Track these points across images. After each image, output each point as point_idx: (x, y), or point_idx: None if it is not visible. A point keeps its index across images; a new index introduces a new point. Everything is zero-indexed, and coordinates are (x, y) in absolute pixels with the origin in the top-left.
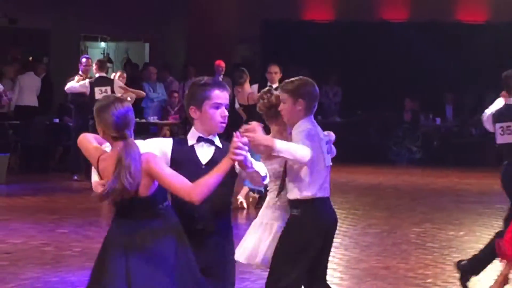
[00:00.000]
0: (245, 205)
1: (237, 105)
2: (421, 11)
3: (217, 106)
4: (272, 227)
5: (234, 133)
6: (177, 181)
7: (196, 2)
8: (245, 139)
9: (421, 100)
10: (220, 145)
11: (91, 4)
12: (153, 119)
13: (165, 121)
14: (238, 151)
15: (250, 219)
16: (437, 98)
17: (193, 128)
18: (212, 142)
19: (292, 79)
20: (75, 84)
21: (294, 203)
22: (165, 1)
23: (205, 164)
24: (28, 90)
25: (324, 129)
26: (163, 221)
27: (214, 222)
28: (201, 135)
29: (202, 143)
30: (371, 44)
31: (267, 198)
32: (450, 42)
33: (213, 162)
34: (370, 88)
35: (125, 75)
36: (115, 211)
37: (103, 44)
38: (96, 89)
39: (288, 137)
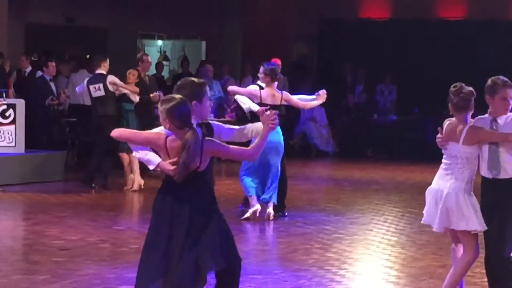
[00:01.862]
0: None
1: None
2: (479, 8)
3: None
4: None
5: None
6: (239, 150)
7: (253, 0)
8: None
9: (478, 98)
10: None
11: (148, 2)
12: (209, 117)
13: (221, 119)
14: (275, 121)
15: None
16: None
17: None
18: None
19: None
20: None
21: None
22: None
23: None
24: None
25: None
26: (209, 190)
27: None
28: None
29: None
30: (428, 42)
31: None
32: (509, 40)
33: None
34: (426, 86)
35: (136, 72)
36: (170, 183)
37: (160, 42)
38: (90, 87)
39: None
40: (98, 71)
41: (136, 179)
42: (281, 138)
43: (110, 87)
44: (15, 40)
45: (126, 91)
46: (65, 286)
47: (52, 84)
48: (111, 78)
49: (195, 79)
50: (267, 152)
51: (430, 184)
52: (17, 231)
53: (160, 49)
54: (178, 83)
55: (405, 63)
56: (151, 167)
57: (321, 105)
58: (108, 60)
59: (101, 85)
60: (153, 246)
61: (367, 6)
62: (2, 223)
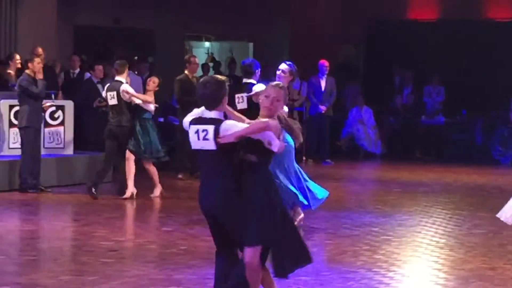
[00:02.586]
0: None
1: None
2: None
3: None
4: None
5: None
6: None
7: (300, 1)
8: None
9: None
10: None
11: (196, 3)
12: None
13: None
14: None
15: None
16: None
17: None
18: None
19: None
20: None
21: None
22: (269, 1)
23: None
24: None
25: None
26: None
27: None
28: None
29: None
30: (476, 43)
31: None
32: None
33: None
34: (474, 88)
35: (156, 80)
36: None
37: (207, 44)
38: (108, 94)
39: None
40: (117, 77)
41: (130, 187)
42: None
43: (122, 95)
44: (64, 42)
45: (138, 101)
46: (113, 287)
47: (100, 86)
48: (124, 86)
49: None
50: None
51: (478, 185)
52: (66, 232)
53: (208, 50)
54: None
55: (453, 65)
56: (277, 147)
57: (369, 106)
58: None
59: (115, 93)
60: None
61: (415, 7)
62: (51, 224)
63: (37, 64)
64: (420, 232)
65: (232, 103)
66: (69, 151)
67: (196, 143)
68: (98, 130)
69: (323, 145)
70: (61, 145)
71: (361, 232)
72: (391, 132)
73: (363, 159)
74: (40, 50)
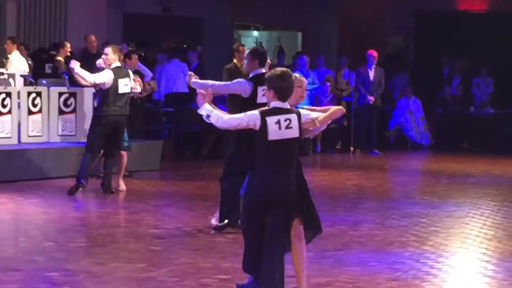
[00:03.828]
0: None
1: None
2: None
3: None
4: None
5: None
6: None
7: None
8: None
9: None
10: None
11: None
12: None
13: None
14: None
15: None
16: None
17: None
18: None
19: None
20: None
21: None
22: None
23: None
24: (174, 77)
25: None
26: None
27: None
28: None
29: None
30: None
31: None
32: None
33: None
34: None
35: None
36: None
37: (255, 33)
38: (119, 81)
39: None
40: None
41: (121, 183)
42: None
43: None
44: (113, 30)
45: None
46: (161, 275)
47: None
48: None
49: None
50: None
51: None
52: (114, 219)
53: (256, 40)
54: None
55: (502, 56)
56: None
57: (418, 97)
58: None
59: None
60: None
61: None
62: (99, 211)
63: (134, 61)
64: (468, 224)
65: (255, 97)
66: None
67: (276, 133)
68: (140, 119)
69: (371, 136)
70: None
71: (408, 223)
72: (439, 123)
73: (411, 150)
74: (93, 37)
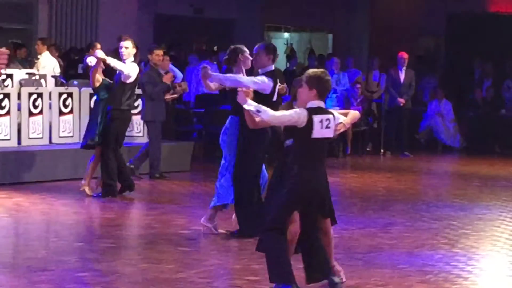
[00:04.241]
0: None
1: None
2: None
3: None
4: None
5: None
6: None
7: None
8: None
9: None
10: None
11: None
12: (335, 109)
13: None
14: None
15: None
16: None
17: None
18: None
19: None
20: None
21: None
22: None
23: None
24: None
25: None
26: None
27: None
28: None
29: None
30: None
31: None
32: None
33: None
34: None
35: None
36: None
37: (286, 35)
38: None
39: None
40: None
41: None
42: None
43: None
44: (144, 31)
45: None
46: (191, 276)
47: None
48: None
49: None
50: None
51: None
52: (145, 220)
53: (287, 41)
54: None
55: None
56: None
57: (448, 99)
58: None
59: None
60: None
61: (496, 0)
62: (130, 212)
63: (155, 56)
64: (499, 227)
65: (273, 94)
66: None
67: (319, 132)
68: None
69: (401, 138)
70: (141, 134)
71: (439, 226)
72: (470, 126)
73: (441, 153)
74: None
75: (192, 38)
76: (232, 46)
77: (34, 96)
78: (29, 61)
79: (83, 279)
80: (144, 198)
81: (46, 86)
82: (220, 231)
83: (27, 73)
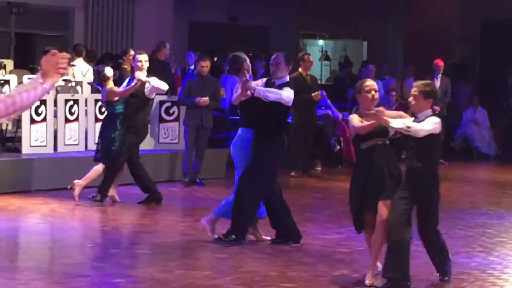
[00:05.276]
0: None
1: None
2: None
3: None
4: None
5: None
6: None
7: (415, 0)
8: None
9: None
10: None
11: (311, 1)
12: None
13: None
14: None
15: None
16: None
17: None
18: None
19: None
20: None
21: None
22: (384, 0)
23: None
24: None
25: None
26: None
27: None
28: None
29: None
30: None
31: None
32: None
33: None
34: None
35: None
36: None
37: (321, 42)
38: None
39: None
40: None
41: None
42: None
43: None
44: (179, 38)
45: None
46: (227, 283)
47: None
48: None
49: None
50: None
51: None
52: (180, 227)
53: (322, 49)
54: None
55: None
56: None
57: (484, 107)
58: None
59: None
60: None
61: None
62: (165, 219)
63: (200, 67)
64: None
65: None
66: (183, 146)
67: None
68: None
69: None
70: (176, 140)
71: (475, 233)
72: (505, 134)
73: (476, 160)
74: (167, 45)
75: (227, 46)
76: (232, 55)
77: (70, 102)
78: None
79: (118, 285)
80: (179, 204)
81: (82, 92)
82: (252, 237)
83: (63, 80)
